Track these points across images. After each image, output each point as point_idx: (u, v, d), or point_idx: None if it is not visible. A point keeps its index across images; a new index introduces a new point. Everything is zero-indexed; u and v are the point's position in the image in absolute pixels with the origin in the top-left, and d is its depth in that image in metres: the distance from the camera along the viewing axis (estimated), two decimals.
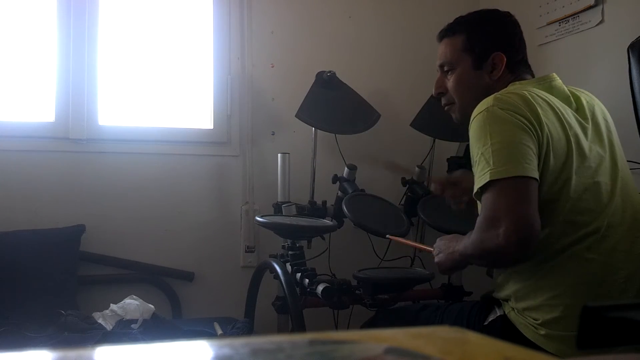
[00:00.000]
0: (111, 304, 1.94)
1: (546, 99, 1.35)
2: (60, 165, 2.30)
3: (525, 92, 1.34)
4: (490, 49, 1.48)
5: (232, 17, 2.53)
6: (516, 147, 1.23)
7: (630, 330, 0.51)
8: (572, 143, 1.31)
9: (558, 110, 1.34)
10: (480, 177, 1.24)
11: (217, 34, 2.52)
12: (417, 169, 2.40)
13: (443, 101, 1.60)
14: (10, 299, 2.00)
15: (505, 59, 1.47)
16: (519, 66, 1.50)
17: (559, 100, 1.39)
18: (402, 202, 2.42)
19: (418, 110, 2.48)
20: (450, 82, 1.55)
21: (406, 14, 2.76)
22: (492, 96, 1.34)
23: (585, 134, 1.36)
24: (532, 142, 1.25)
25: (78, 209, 2.29)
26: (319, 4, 2.65)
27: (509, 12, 1.54)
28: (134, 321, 1.86)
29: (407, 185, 2.39)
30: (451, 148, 2.55)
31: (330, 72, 2.34)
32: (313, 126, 2.37)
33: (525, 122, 1.26)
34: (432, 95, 2.48)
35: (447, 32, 1.56)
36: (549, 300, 1.29)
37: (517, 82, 1.44)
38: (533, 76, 1.51)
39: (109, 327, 1.85)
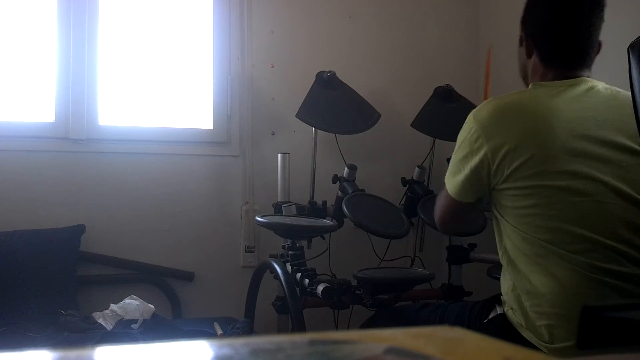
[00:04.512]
0: (111, 304, 1.94)
1: (548, 115, 1.33)
2: (60, 165, 2.30)
3: (512, 112, 1.38)
4: (523, 28, 1.48)
5: (232, 17, 2.53)
6: (462, 174, 1.40)
7: (630, 330, 0.51)
8: (571, 157, 1.29)
9: (554, 131, 1.31)
10: (445, 178, 1.48)
11: (217, 34, 2.52)
12: (417, 169, 2.40)
13: None
14: (10, 299, 2.00)
15: (529, 40, 1.45)
16: (552, 57, 1.43)
17: (590, 110, 1.35)
18: (402, 202, 2.42)
19: (418, 110, 2.48)
20: None
21: (406, 14, 2.76)
22: (483, 106, 1.41)
23: (607, 145, 1.33)
24: (483, 168, 1.35)
25: (78, 209, 2.29)
26: (319, 4, 2.65)
27: None
28: (134, 321, 1.86)
29: (407, 185, 2.39)
30: (451, 148, 2.53)
31: (330, 72, 2.34)
32: (313, 126, 2.37)
33: (486, 149, 1.34)
34: (432, 95, 2.50)
35: None
36: (535, 307, 1.30)
37: (538, 84, 1.43)
38: (585, 72, 1.42)
39: (109, 327, 1.85)
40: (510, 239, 1.36)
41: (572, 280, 1.27)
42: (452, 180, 1.43)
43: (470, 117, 1.41)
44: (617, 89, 1.42)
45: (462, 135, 1.42)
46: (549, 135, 1.32)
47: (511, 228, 1.35)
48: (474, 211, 1.54)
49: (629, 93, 1.41)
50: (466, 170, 1.38)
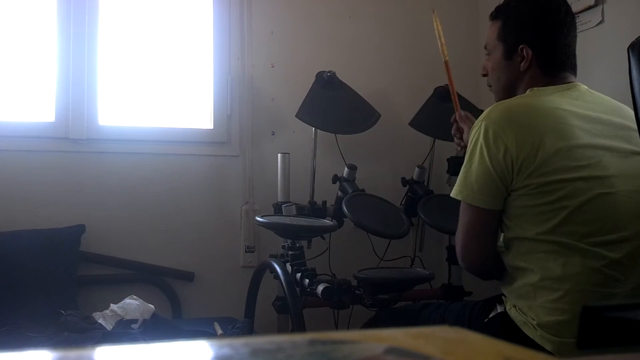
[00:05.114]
0: (111, 304, 1.94)
1: (558, 113, 1.36)
2: (60, 165, 2.30)
3: (524, 111, 1.37)
4: (519, 41, 1.49)
5: (232, 17, 2.53)
6: (482, 177, 1.35)
7: (630, 330, 0.51)
8: (576, 153, 1.32)
9: (571, 126, 1.34)
10: (455, 188, 1.40)
11: (217, 34, 2.52)
12: (417, 169, 2.40)
13: (487, 82, 1.62)
14: (10, 299, 2.00)
15: (531, 54, 1.47)
16: (552, 66, 1.48)
17: (591, 113, 1.39)
18: (402, 202, 2.42)
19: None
20: (488, 66, 1.58)
21: (406, 14, 2.76)
22: (493, 109, 1.38)
23: (610, 145, 1.36)
24: (507, 166, 1.31)
25: (78, 209, 2.29)
26: (319, 4, 2.65)
27: (558, 4, 1.50)
28: (134, 321, 1.86)
29: (407, 185, 2.39)
30: (451, 148, 2.54)
31: (330, 72, 2.34)
32: (313, 126, 2.37)
33: (508, 145, 1.31)
34: (432, 95, 2.50)
35: (491, 15, 1.57)
36: (549, 303, 1.30)
37: (536, 88, 1.45)
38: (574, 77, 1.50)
39: (109, 327, 1.85)
40: (523, 244, 1.36)
41: (590, 276, 1.28)
42: (471, 187, 1.36)
43: (480, 122, 1.38)
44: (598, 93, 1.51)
45: (475, 139, 1.37)
46: (568, 130, 1.34)
47: (525, 231, 1.34)
48: (497, 229, 1.41)
49: (608, 97, 1.48)
50: (487, 171, 1.34)
